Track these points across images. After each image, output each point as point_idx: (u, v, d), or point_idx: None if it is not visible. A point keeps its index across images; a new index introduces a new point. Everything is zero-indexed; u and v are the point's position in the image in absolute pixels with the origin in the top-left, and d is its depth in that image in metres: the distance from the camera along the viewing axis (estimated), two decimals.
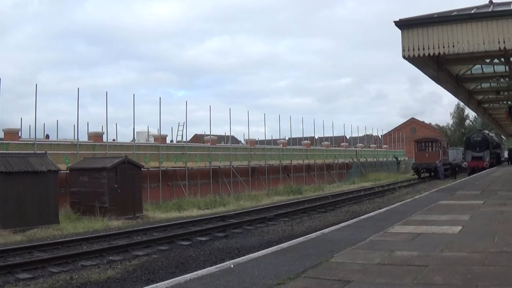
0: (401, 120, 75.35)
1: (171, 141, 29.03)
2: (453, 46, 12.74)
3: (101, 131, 23.45)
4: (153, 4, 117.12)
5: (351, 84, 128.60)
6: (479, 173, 29.11)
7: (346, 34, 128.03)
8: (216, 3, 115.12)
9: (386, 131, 62.30)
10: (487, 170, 31.51)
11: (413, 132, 66.08)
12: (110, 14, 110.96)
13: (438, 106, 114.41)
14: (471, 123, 65.94)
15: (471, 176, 27.46)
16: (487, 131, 45.16)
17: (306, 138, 41.54)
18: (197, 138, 46.56)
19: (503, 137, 64.13)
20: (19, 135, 20.76)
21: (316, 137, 46.40)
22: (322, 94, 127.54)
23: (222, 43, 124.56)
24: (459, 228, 6.91)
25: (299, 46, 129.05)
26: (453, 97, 26.69)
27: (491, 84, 22.92)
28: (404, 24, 13.09)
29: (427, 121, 78.62)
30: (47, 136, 28.08)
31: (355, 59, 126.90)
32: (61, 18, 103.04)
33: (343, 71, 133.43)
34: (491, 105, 31.09)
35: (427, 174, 38.93)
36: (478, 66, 19.69)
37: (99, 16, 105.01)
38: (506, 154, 52.50)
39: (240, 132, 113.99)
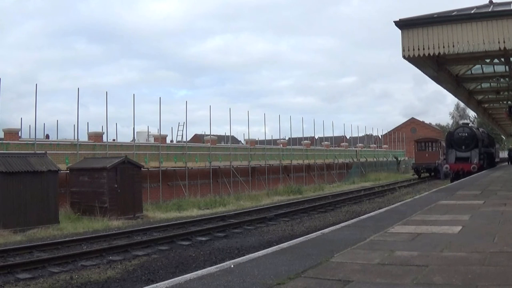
0: (404, 120, 75.40)
1: (171, 141, 29.05)
2: (453, 46, 12.75)
3: (101, 131, 23.47)
4: (155, 2, 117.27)
5: (356, 83, 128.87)
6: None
7: (350, 33, 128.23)
8: (218, 1, 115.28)
9: (386, 131, 62.37)
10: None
11: (413, 132, 66.09)
12: (111, 12, 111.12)
13: (442, 105, 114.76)
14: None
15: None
16: (476, 126, 38.28)
17: (306, 138, 41.56)
18: (197, 138, 46.56)
19: (503, 137, 64.09)
20: (19, 135, 20.77)
21: (316, 137, 46.48)
22: (325, 94, 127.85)
23: (225, 42, 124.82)
24: (459, 228, 6.91)
25: (302, 44, 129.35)
26: None
27: (491, 84, 22.92)
28: (404, 24, 13.09)
29: (428, 120, 78.72)
30: (47, 136, 28.09)
31: (359, 58, 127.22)
32: (62, 16, 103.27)
33: (347, 70, 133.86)
34: (491, 105, 31.09)
35: (427, 174, 38.92)
36: (478, 66, 19.68)
37: (100, 14, 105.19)
38: (502, 155, 52.08)
39: (241, 132, 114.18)
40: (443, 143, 40.83)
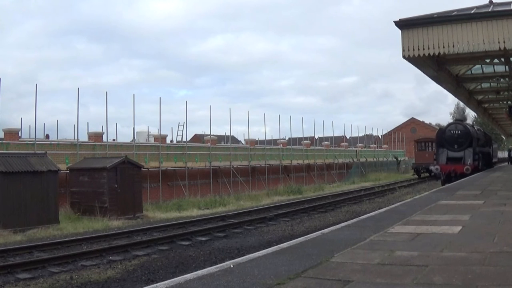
0: (405, 120, 75.39)
1: (171, 141, 29.06)
2: (453, 46, 12.76)
3: (101, 131, 23.48)
4: (155, 1, 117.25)
5: (357, 83, 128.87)
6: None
7: (351, 32, 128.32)
8: (219, 0, 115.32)
9: (386, 131, 62.39)
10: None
11: (413, 132, 66.06)
12: (112, 11, 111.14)
13: (443, 105, 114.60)
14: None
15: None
16: (471, 123, 34.42)
17: (306, 138, 41.57)
18: (197, 138, 46.57)
19: (503, 137, 64.03)
20: (19, 135, 20.78)
21: (316, 137, 46.49)
22: (326, 93, 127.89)
23: (225, 41, 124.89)
24: (459, 228, 6.90)
25: (303, 44, 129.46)
26: None
27: (491, 84, 22.95)
28: (404, 24, 13.10)
29: (429, 120, 78.73)
30: (47, 136, 28.10)
31: (360, 58, 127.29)
32: (62, 15, 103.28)
33: (348, 70, 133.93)
34: (491, 105, 31.11)
35: (427, 174, 38.88)
36: (478, 66, 19.71)
37: (100, 13, 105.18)
38: (502, 155, 51.80)
39: (241, 131, 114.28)
40: None
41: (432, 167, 26.17)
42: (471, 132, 25.81)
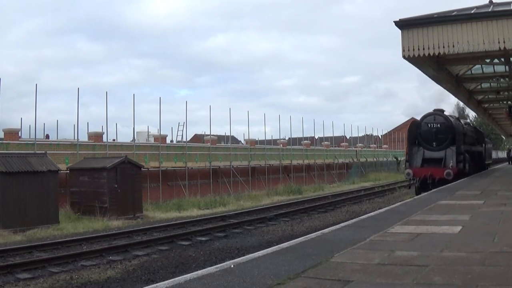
0: (406, 119, 75.24)
1: (171, 141, 29.06)
2: (453, 46, 12.78)
3: (101, 131, 23.49)
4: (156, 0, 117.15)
5: (360, 83, 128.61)
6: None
7: (354, 31, 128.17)
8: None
9: (386, 131, 62.36)
10: (458, 181, 17.67)
11: None
12: (113, 10, 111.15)
13: (445, 104, 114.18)
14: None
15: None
16: (457, 115, 28.44)
17: (306, 138, 41.58)
18: (197, 138, 46.57)
19: (503, 137, 63.92)
20: (19, 135, 20.79)
21: (316, 137, 46.51)
22: (329, 93, 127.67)
23: (227, 40, 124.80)
24: (459, 228, 6.90)
25: (305, 43, 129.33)
26: None
27: (491, 84, 22.96)
28: (404, 24, 13.13)
29: None
30: (47, 136, 28.10)
31: (364, 57, 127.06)
32: (62, 13, 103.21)
33: (351, 69, 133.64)
34: (491, 105, 31.14)
35: None
36: (478, 66, 19.72)
37: (101, 12, 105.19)
38: (501, 155, 51.41)
39: (241, 131, 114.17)
40: None
41: (405, 173, 20.06)
42: (454, 126, 19.53)
